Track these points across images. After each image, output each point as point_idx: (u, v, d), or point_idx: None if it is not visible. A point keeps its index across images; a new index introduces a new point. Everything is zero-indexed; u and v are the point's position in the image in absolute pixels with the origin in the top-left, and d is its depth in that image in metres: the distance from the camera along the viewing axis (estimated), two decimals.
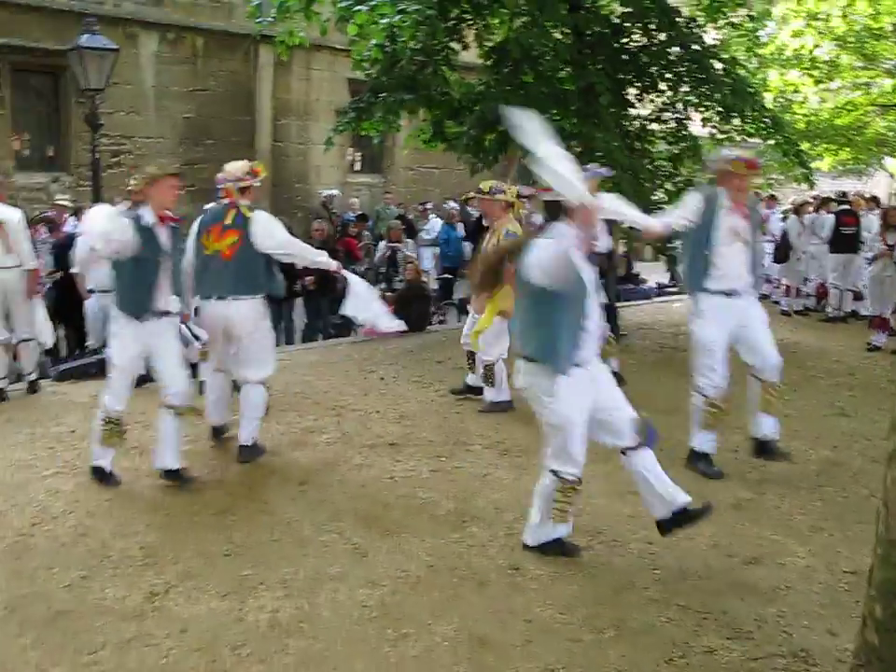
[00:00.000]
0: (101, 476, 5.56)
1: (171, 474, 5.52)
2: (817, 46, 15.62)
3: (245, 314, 5.87)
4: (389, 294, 11.34)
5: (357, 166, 18.92)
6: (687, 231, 5.76)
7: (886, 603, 2.62)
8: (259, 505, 5.19)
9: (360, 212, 15.58)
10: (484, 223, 7.38)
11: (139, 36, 15.15)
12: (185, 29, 15.61)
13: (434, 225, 14.93)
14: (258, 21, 10.44)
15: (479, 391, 7.54)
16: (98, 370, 8.07)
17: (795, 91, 16.48)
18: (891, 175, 23.66)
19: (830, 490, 5.55)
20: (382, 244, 13.41)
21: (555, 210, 4.12)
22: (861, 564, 4.34)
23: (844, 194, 13.36)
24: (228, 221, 5.82)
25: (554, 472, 4.32)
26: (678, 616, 3.89)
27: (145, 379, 8.00)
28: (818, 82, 16.12)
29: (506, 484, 5.61)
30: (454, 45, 10.13)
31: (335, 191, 15.71)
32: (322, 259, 6.05)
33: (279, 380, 8.19)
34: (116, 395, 5.52)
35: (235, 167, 5.95)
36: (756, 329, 5.72)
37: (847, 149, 17.42)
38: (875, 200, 14.55)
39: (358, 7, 9.19)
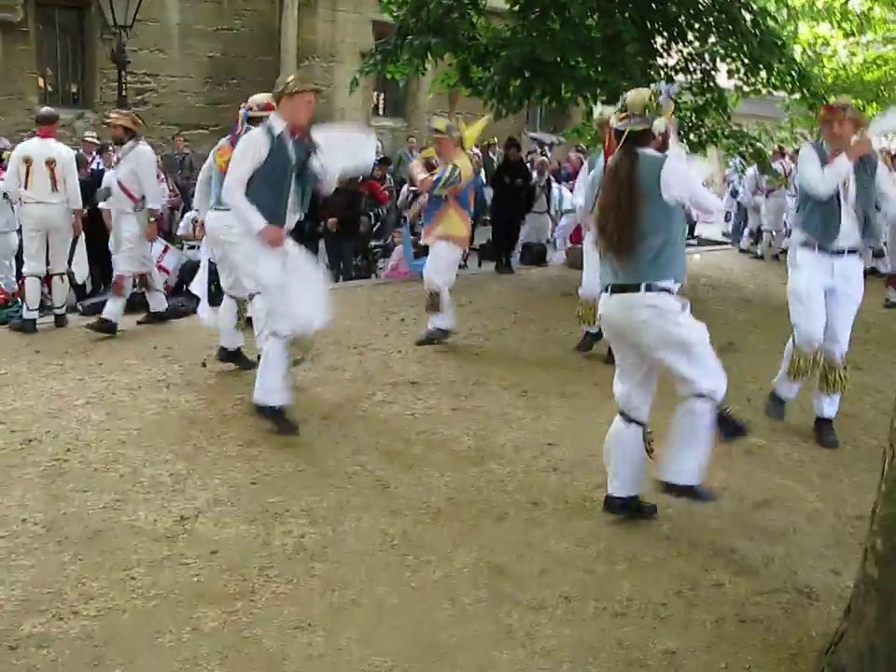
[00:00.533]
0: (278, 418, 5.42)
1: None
2: (846, 1, 15.37)
3: (223, 224, 6.06)
4: (412, 237, 11.42)
5: (381, 109, 18.88)
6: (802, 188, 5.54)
7: (886, 537, 2.75)
8: (284, 438, 5.32)
9: (383, 155, 15.59)
10: (435, 162, 7.50)
11: None
12: None
13: None
14: None
15: (445, 334, 7.73)
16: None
17: (825, 45, 16.26)
18: None
19: (840, 440, 5.66)
20: (405, 187, 13.44)
21: (645, 139, 3.97)
22: (866, 510, 4.43)
23: None
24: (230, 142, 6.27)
25: (711, 395, 3.98)
26: (688, 552, 4.04)
27: (162, 316, 8.13)
28: (848, 35, 15.87)
29: (525, 424, 5.76)
30: None
31: None
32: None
33: None
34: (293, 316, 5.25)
35: (254, 98, 6.38)
36: (839, 302, 5.41)
37: (875, 105, 17.19)
38: None
39: None
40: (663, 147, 4.03)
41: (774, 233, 14.35)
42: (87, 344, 7.37)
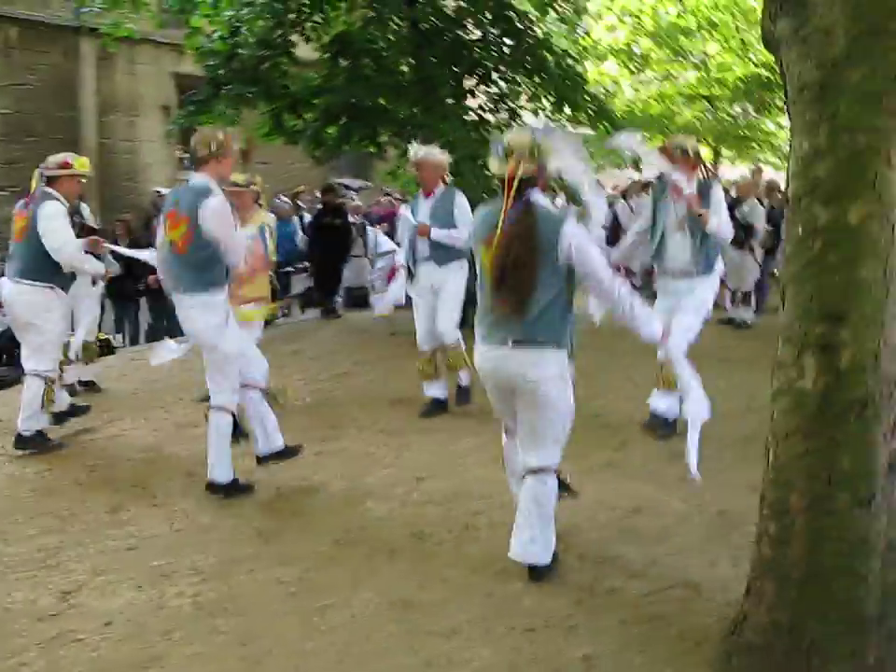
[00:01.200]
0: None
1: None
2: (629, 43, 16.63)
3: (25, 299, 5.97)
4: None
5: (188, 162, 18.57)
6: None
7: (777, 520, 3.02)
8: (151, 499, 5.19)
9: None
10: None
11: None
12: None
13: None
14: (83, 10, 10.20)
15: None
16: None
17: (614, 83, 17.47)
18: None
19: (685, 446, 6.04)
20: None
21: (535, 182, 3.84)
22: (724, 504, 4.87)
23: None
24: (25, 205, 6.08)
25: (554, 467, 4.04)
26: (578, 565, 4.22)
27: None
28: (633, 73, 17.15)
29: (391, 461, 5.84)
30: (293, 38, 10.18)
31: (166, 190, 15.39)
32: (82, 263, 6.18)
33: (136, 378, 8.14)
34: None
35: (51, 157, 6.18)
36: (676, 315, 5.87)
37: (662, 136, 18.53)
38: None
39: None
40: (547, 187, 4.00)
41: None
42: None
